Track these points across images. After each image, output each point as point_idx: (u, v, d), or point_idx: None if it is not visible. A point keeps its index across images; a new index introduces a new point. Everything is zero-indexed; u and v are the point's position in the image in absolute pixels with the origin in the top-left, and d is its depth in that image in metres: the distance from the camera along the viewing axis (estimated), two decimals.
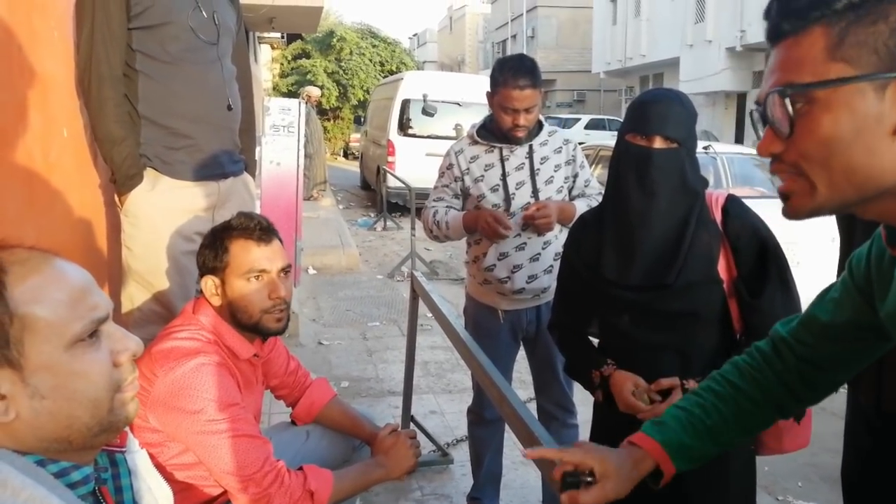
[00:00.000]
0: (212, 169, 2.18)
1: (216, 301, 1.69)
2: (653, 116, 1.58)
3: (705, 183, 1.66)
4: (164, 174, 2.09)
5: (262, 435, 1.65)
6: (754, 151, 6.58)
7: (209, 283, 1.69)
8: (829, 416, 3.61)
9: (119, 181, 2.03)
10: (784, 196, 0.84)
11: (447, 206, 2.46)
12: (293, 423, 2.06)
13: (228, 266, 1.67)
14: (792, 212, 0.85)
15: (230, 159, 2.28)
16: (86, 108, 2.02)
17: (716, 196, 1.67)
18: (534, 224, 2.28)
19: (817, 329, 1.10)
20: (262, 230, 1.70)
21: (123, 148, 2.00)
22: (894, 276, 0.91)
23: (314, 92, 11.86)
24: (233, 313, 1.69)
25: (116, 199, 2.09)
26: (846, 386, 1.44)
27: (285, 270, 1.74)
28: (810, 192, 0.81)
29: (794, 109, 0.79)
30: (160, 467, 1.43)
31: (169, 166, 2.09)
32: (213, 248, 1.69)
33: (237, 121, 2.31)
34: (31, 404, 0.84)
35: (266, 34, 13.08)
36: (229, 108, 2.21)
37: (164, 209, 2.07)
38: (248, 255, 1.68)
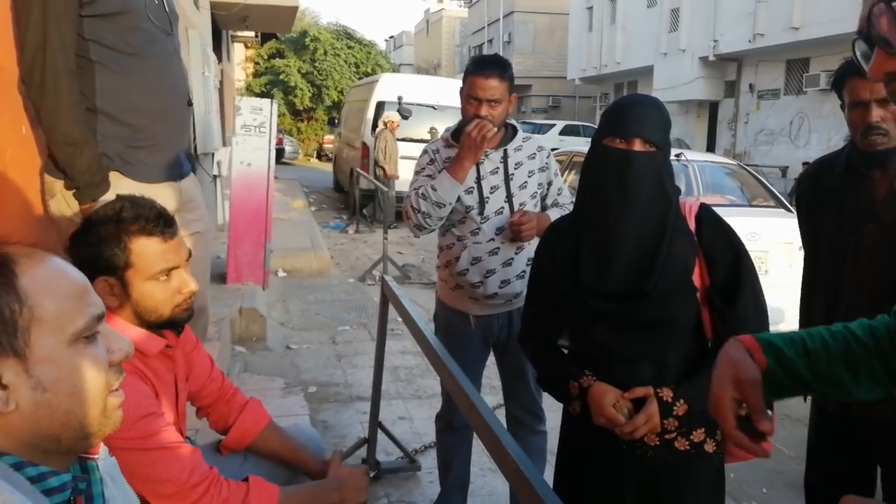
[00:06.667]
0: (174, 169, 2.07)
1: (113, 303, 1.46)
2: (632, 119, 1.57)
3: (678, 191, 1.65)
4: (126, 175, 1.93)
5: (185, 442, 1.49)
6: (725, 160, 6.67)
7: (103, 285, 1.44)
8: (794, 423, 3.65)
9: (82, 189, 1.82)
10: None
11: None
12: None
13: (132, 267, 1.45)
14: None
15: (187, 157, 2.19)
16: (36, 106, 1.78)
17: (689, 205, 1.67)
18: (519, 231, 2.26)
19: None
20: (165, 223, 1.49)
21: (87, 151, 1.80)
22: None
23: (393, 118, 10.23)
24: (139, 314, 1.50)
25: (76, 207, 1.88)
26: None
27: (188, 256, 1.56)
28: None
29: None
30: None
31: (131, 167, 1.94)
32: (108, 246, 1.44)
33: (191, 116, 2.24)
34: (33, 396, 0.84)
35: (239, 32, 12.92)
36: (189, 103, 2.13)
37: None
38: (156, 255, 1.47)
